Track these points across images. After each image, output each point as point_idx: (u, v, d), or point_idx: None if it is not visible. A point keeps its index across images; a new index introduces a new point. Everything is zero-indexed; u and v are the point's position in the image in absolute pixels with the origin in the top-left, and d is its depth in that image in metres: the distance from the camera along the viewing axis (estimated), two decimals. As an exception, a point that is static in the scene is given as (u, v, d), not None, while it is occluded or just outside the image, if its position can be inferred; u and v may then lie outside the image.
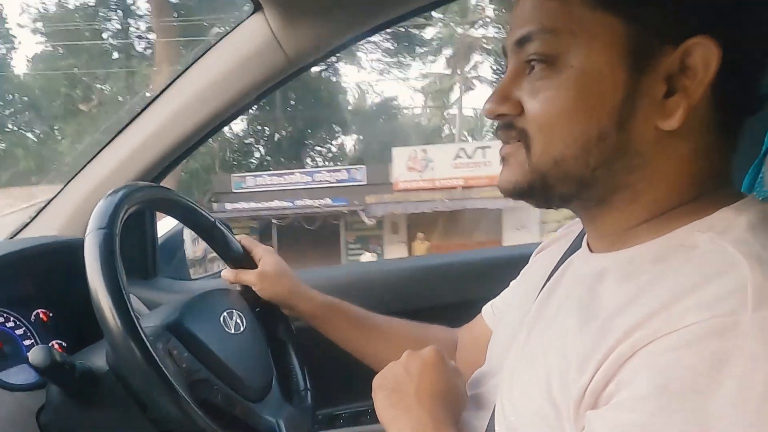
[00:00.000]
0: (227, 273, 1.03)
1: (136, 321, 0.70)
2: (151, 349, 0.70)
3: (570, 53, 0.53)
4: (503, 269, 0.90)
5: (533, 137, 0.56)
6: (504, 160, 0.61)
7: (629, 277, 0.53)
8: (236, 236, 1.03)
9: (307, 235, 14.54)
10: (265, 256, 1.02)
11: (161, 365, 0.70)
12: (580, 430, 0.50)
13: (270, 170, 16.73)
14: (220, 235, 1.00)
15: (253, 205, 14.59)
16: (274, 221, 14.80)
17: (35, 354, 0.73)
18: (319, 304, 1.02)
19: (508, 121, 0.59)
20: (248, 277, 1.00)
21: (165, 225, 1.33)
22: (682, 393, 0.42)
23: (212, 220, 0.98)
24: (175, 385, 0.70)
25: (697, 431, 0.41)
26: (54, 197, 1.15)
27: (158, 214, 1.26)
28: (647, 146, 0.54)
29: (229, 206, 14.43)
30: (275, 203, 14.51)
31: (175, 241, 1.33)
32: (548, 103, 0.55)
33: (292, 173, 15.60)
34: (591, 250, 0.63)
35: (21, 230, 1.15)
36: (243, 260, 1.02)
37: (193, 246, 1.39)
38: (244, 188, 14.95)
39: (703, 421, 0.41)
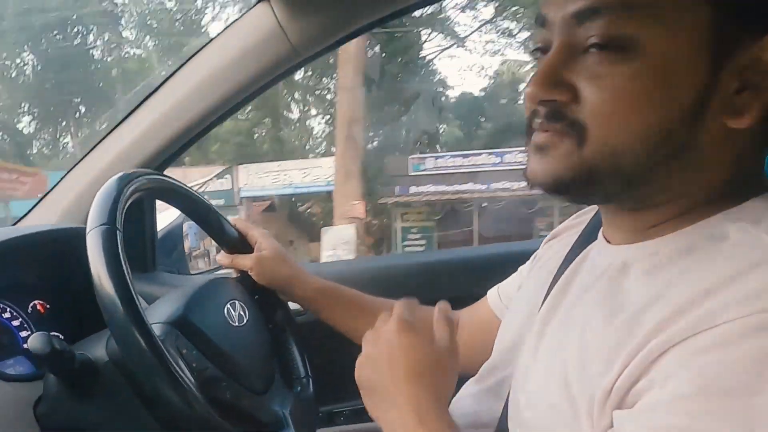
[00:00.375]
0: (223, 257, 1.01)
1: (145, 320, 0.69)
2: (163, 349, 0.69)
3: (648, 37, 0.47)
4: (511, 265, 0.89)
5: (590, 129, 0.49)
6: (541, 149, 0.53)
7: (656, 269, 0.51)
8: (230, 220, 1.02)
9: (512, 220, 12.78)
10: (261, 240, 1.01)
11: (173, 363, 0.69)
12: (603, 427, 0.47)
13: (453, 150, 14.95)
14: (215, 220, 0.98)
15: (443, 188, 13.19)
16: (481, 205, 13.38)
17: (35, 341, 0.72)
18: (316, 288, 1.00)
19: (557, 109, 0.51)
20: (245, 261, 0.99)
21: (164, 218, 1.31)
22: (725, 393, 0.40)
23: (208, 204, 0.97)
24: (185, 379, 0.69)
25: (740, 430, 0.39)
26: (56, 185, 1.13)
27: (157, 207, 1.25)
28: (711, 145, 0.49)
29: (413, 189, 13.23)
30: (467, 185, 13.07)
31: (174, 234, 1.32)
32: (616, 93, 0.48)
33: (479, 154, 13.69)
34: (608, 242, 0.60)
35: (22, 218, 1.14)
36: (238, 244, 1.01)
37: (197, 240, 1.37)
38: (423, 171, 13.49)
39: (748, 421, 0.39)
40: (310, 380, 0.95)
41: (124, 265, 0.70)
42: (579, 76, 0.50)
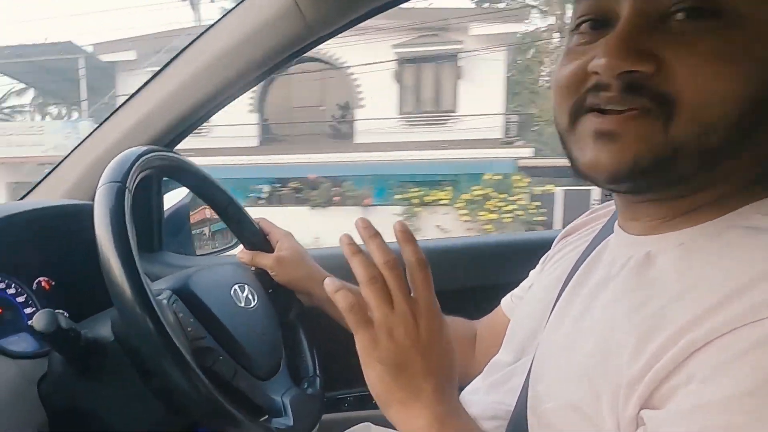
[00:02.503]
0: (243, 254, 1.00)
1: (140, 270, 0.67)
2: (153, 302, 0.67)
3: (744, 2, 0.44)
4: (525, 253, 0.88)
5: (680, 101, 0.45)
6: (614, 135, 0.49)
7: (685, 260, 0.49)
8: (254, 218, 1.01)
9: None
10: (283, 239, 1.01)
11: (164, 321, 0.67)
12: (627, 419, 0.46)
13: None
14: (235, 213, 0.98)
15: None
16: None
17: (40, 318, 0.70)
18: None
19: (638, 81, 0.47)
20: (265, 261, 0.98)
21: (171, 198, 1.29)
22: None
23: (229, 196, 0.96)
24: (180, 349, 0.67)
25: None
26: (62, 160, 1.12)
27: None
28: None
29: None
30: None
31: (181, 214, 1.30)
32: (709, 60, 0.44)
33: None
34: (626, 233, 0.59)
35: (27, 194, 1.12)
36: (259, 242, 1.00)
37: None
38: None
39: None
40: (318, 379, 0.94)
41: (128, 224, 0.69)
42: (664, 44, 0.46)
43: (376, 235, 0.56)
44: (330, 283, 0.57)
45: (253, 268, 0.99)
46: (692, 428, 0.41)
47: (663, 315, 0.46)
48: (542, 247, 0.84)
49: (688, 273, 0.48)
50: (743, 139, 0.47)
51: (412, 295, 0.56)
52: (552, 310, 0.64)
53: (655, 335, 0.45)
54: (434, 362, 0.55)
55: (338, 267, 1.04)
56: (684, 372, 0.43)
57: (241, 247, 1.04)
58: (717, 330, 0.41)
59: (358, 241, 0.58)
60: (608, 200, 0.75)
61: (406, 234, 0.56)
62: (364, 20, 1.03)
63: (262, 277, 0.98)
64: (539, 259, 0.85)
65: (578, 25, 0.54)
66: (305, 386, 0.92)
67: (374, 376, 0.56)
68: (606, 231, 0.66)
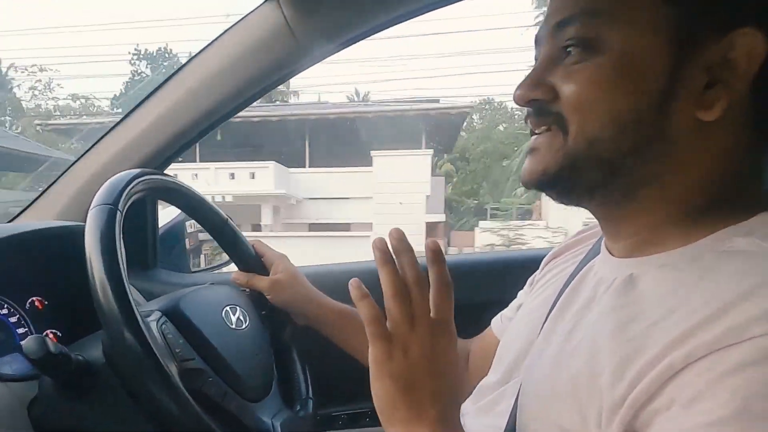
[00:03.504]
0: (238, 276, 1.01)
1: (128, 292, 0.68)
2: (141, 323, 0.67)
3: (611, 36, 0.52)
4: (515, 271, 0.88)
5: (569, 119, 0.54)
6: (533, 150, 0.59)
7: (666, 281, 0.51)
8: (248, 240, 1.02)
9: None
10: (278, 262, 1.01)
11: (152, 343, 0.68)
12: None
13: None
14: (230, 234, 0.98)
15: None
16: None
17: (29, 344, 0.71)
18: (331, 311, 1.00)
19: (541, 107, 0.57)
20: (261, 283, 0.99)
21: (166, 215, 1.30)
22: (764, 414, 0.39)
23: (224, 217, 0.96)
24: (168, 371, 0.68)
25: None
26: (55, 181, 1.12)
27: (159, 203, 1.24)
28: (683, 135, 0.52)
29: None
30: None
31: (175, 232, 1.31)
32: (585, 84, 0.53)
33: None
34: (612, 255, 0.60)
35: (19, 215, 1.13)
36: (253, 263, 1.01)
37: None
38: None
39: None
40: (311, 402, 0.94)
41: (118, 247, 0.70)
42: (557, 76, 0.56)
43: (410, 249, 0.57)
44: (356, 289, 0.56)
45: (247, 291, 0.99)
46: None
47: (644, 338, 0.47)
48: (533, 264, 0.84)
49: (669, 296, 0.49)
50: (637, 151, 0.53)
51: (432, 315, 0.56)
52: (540, 331, 0.65)
53: (636, 358, 0.46)
54: (444, 386, 0.55)
55: (330, 285, 1.05)
56: (665, 396, 0.43)
57: (234, 265, 1.04)
58: (695, 352, 0.42)
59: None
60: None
61: (437, 254, 0.57)
62: (355, 43, 1.04)
63: (255, 298, 0.98)
64: (530, 276, 0.85)
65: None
66: (297, 408, 0.92)
67: (382, 390, 0.56)
68: (593, 253, 0.67)
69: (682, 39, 0.50)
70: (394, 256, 0.56)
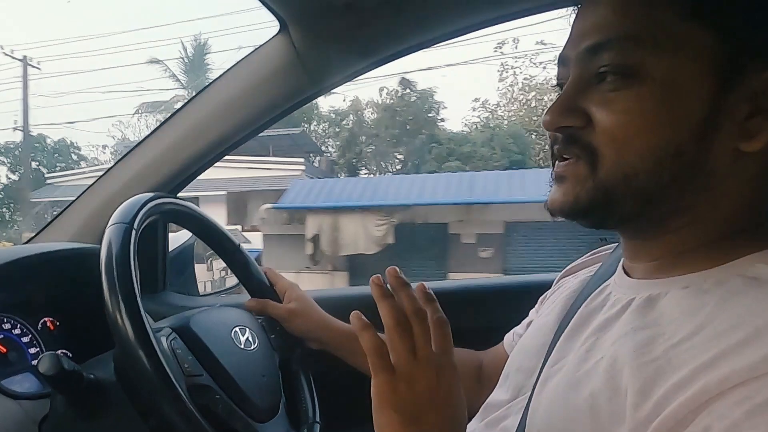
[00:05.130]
0: (253, 303, 1.01)
1: (140, 305, 0.70)
2: (151, 336, 0.69)
3: (652, 63, 0.51)
4: (523, 296, 0.89)
5: (602, 151, 0.53)
6: (560, 178, 0.57)
7: (689, 302, 0.50)
8: (260, 268, 1.04)
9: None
10: (290, 290, 1.03)
11: (161, 356, 0.69)
12: None
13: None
14: (241, 261, 1.01)
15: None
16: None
17: (44, 361, 0.72)
18: (344, 334, 1.01)
19: (572, 135, 0.55)
20: (277, 311, 1.00)
21: (176, 239, 1.32)
22: None
23: (236, 244, 0.99)
24: (175, 384, 0.69)
25: None
26: (69, 205, 1.15)
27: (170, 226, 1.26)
28: (722, 167, 0.51)
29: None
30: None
31: (185, 255, 1.32)
32: (625, 115, 0.52)
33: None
34: (629, 276, 0.61)
35: (35, 236, 1.15)
36: (265, 291, 1.03)
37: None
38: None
39: None
40: (318, 426, 0.95)
41: (132, 262, 0.72)
42: (592, 102, 0.54)
43: (407, 284, 0.58)
44: (357, 321, 0.57)
45: (259, 318, 1.00)
46: None
47: (670, 357, 0.46)
48: (541, 289, 0.85)
49: (692, 316, 0.48)
50: (675, 184, 0.52)
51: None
52: (551, 349, 0.65)
53: (662, 378, 0.45)
54: (447, 420, 0.55)
55: (337, 308, 1.06)
56: (699, 423, 0.42)
57: (243, 290, 1.06)
58: (731, 378, 0.41)
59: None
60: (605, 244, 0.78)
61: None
62: (364, 73, 1.08)
63: (266, 322, 0.99)
64: (537, 300, 0.87)
65: (558, 85, 0.61)
66: (304, 431, 0.93)
67: (385, 422, 0.55)
68: (606, 272, 0.67)
69: (725, 68, 0.49)
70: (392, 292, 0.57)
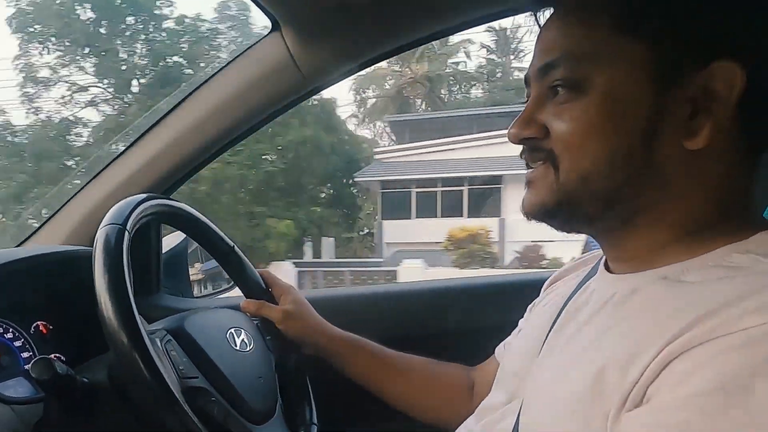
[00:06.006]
0: (248, 304, 1.01)
1: (133, 306, 0.70)
2: (145, 338, 0.69)
3: (594, 76, 0.55)
4: (517, 295, 0.89)
5: (560, 156, 0.58)
6: (530, 183, 0.62)
7: (668, 289, 0.54)
8: (257, 269, 1.03)
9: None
10: (287, 292, 1.03)
11: (155, 358, 0.69)
12: None
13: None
14: (236, 262, 1.00)
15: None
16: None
17: (36, 365, 0.72)
18: (340, 341, 1.01)
19: (534, 144, 0.60)
20: (273, 314, 1.00)
21: (169, 240, 1.31)
22: (738, 391, 0.42)
23: (230, 245, 0.98)
24: (170, 387, 0.68)
25: (750, 428, 0.41)
26: (62, 207, 1.14)
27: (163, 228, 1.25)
28: (673, 165, 0.55)
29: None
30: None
31: (179, 256, 1.32)
32: (574, 123, 0.56)
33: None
34: (611, 272, 0.63)
35: (27, 239, 1.14)
36: (261, 292, 1.02)
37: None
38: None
39: (756, 418, 0.41)
40: (315, 428, 0.95)
41: (125, 264, 0.72)
42: (548, 115, 0.59)
43: None
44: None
45: (255, 320, 0.99)
46: (651, 426, 0.45)
47: (651, 333, 0.49)
48: (534, 288, 0.86)
49: (672, 298, 0.52)
50: (629, 184, 0.56)
51: None
52: (540, 351, 0.66)
53: (645, 352, 0.48)
54: None
55: (333, 309, 1.06)
56: (658, 381, 0.47)
57: (238, 291, 1.05)
58: (691, 342, 0.45)
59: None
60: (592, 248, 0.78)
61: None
62: (358, 71, 1.07)
63: (262, 325, 0.99)
64: (533, 299, 0.87)
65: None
66: None
67: None
68: (591, 274, 0.69)
69: (663, 75, 0.54)
70: None
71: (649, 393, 0.47)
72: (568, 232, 0.63)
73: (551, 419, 0.56)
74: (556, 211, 0.60)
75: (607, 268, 0.65)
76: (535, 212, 0.62)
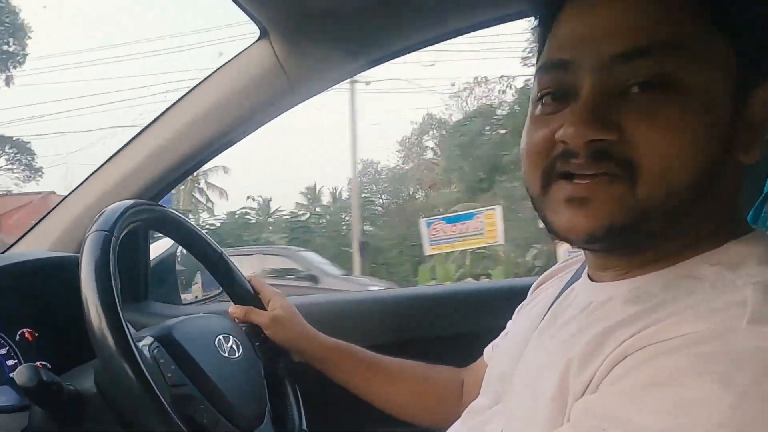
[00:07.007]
0: (236, 310, 1.01)
1: (120, 313, 0.69)
2: (133, 346, 0.69)
3: (688, 74, 0.48)
4: (505, 300, 0.89)
5: (644, 167, 0.49)
6: (584, 201, 0.51)
7: (635, 300, 0.52)
8: (245, 275, 1.03)
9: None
10: (275, 299, 1.02)
11: (143, 366, 0.69)
12: None
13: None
14: (225, 268, 1.00)
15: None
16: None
17: (21, 373, 0.71)
18: (328, 347, 1.01)
19: (605, 149, 0.50)
20: (260, 319, 0.99)
21: (157, 247, 1.31)
22: (669, 384, 0.42)
23: (219, 251, 0.98)
24: (159, 395, 0.68)
25: (676, 420, 0.40)
26: (49, 212, 1.13)
27: (151, 235, 1.25)
28: (725, 179, 0.51)
29: None
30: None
31: (167, 264, 1.31)
32: (671, 130, 0.48)
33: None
34: (593, 281, 0.62)
35: (13, 245, 1.13)
36: (249, 298, 1.02)
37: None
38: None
39: (681, 411, 0.40)
40: None
41: (112, 271, 0.71)
42: (624, 114, 0.49)
43: None
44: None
45: (243, 326, 0.99)
46: (581, 413, 0.47)
47: (606, 336, 0.50)
48: (522, 293, 0.86)
49: (634, 309, 0.50)
50: (701, 198, 0.50)
51: None
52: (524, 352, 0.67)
53: (599, 351, 0.49)
54: None
55: (321, 315, 1.06)
56: (604, 381, 0.48)
57: (225, 298, 1.05)
58: (637, 343, 0.46)
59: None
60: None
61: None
62: (348, 78, 1.08)
63: (250, 330, 0.98)
64: (520, 304, 0.87)
65: (541, 97, 0.56)
66: None
67: None
68: (575, 278, 0.69)
69: (745, 77, 0.49)
70: None
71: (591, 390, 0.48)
72: (603, 253, 0.57)
73: (530, 421, 0.56)
74: (622, 231, 0.51)
75: (588, 274, 0.64)
76: (598, 235, 0.51)
